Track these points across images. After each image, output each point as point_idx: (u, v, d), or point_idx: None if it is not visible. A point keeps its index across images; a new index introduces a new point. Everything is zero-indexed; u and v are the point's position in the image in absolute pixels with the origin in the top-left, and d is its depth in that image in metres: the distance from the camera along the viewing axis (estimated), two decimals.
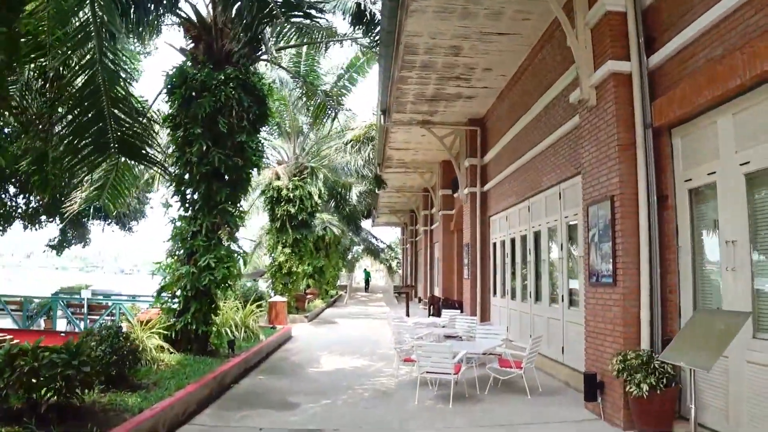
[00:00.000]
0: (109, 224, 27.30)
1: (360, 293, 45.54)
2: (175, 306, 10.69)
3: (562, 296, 10.19)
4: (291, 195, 20.85)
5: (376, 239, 47.60)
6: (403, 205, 36.07)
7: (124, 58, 9.21)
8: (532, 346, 8.48)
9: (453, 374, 7.74)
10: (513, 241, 13.67)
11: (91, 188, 12.90)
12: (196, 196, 10.82)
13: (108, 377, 7.15)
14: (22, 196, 29.39)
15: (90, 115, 7.52)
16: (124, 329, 8.20)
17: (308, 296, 27.51)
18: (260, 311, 15.17)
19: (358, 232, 35.50)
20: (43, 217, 29.61)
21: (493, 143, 15.26)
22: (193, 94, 10.59)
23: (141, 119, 7.74)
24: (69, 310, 18.20)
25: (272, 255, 21.40)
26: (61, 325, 18.58)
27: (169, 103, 11.03)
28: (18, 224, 30.41)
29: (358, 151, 22.17)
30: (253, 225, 25.07)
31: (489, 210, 15.86)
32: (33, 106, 8.54)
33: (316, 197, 21.35)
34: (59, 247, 28.61)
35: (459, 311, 15.77)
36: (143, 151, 7.86)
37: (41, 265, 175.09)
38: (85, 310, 17.56)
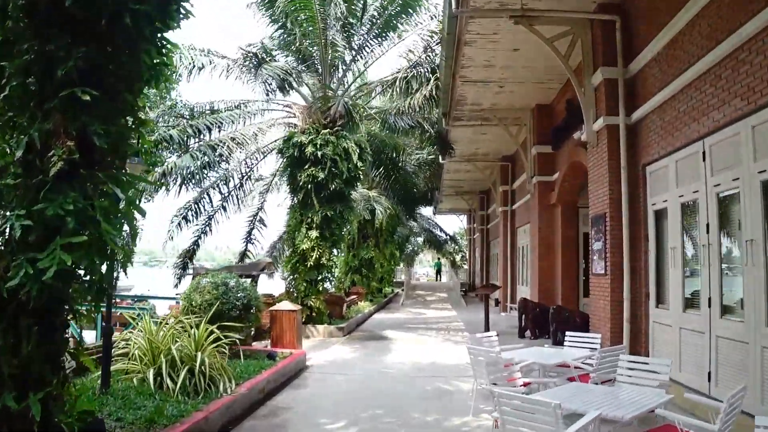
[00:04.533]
0: None
1: (419, 291, 38.76)
2: None
3: None
4: (319, 154, 14.37)
5: (440, 229, 40.87)
6: (472, 184, 29.06)
7: None
8: None
9: None
10: (724, 201, 6.76)
11: None
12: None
13: None
14: None
15: None
16: None
17: (352, 297, 21.15)
18: (241, 334, 8.87)
19: (414, 217, 28.83)
20: None
21: (654, 33, 8.35)
22: None
23: None
24: None
25: (293, 240, 15.00)
26: None
27: None
28: None
29: (411, 92, 15.38)
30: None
31: (645, 153, 8.91)
32: None
33: (355, 157, 14.73)
34: None
35: (584, 333, 9.02)
36: None
37: None
38: None
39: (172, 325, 7.37)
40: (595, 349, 7.78)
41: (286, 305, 10.80)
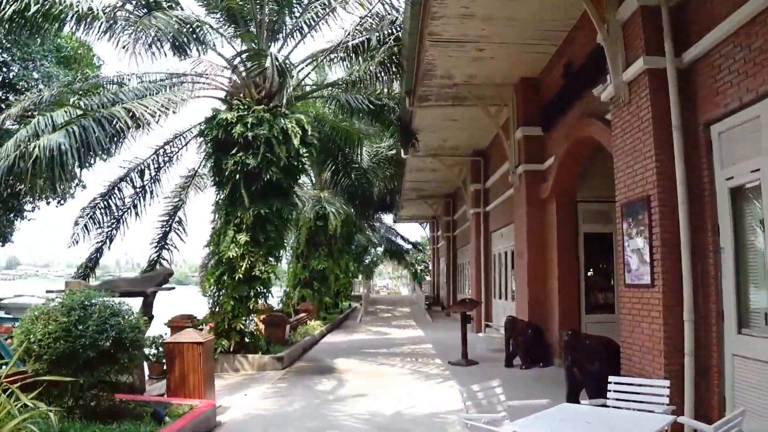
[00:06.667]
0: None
1: (380, 305, 35.56)
2: None
3: None
4: (250, 135, 11.18)
5: (401, 237, 37.95)
6: (437, 186, 26.12)
7: None
8: None
9: None
10: None
11: None
12: None
13: None
14: None
15: None
16: None
17: (300, 315, 17.94)
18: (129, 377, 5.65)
19: (372, 224, 25.82)
20: None
21: None
22: None
23: None
24: None
25: (218, 245, 11.71)
26: None
27: None
28: None
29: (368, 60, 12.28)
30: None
31: (707, 107, 6.01)
32: None
33: (296, 141, 11.56)
34: None
35: (642, 378, 6.16)
36: None
37: (57, 275, 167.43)
38: None
39: None
40: (664, 404, 4.85)
41: (188, 335, 7.52)
